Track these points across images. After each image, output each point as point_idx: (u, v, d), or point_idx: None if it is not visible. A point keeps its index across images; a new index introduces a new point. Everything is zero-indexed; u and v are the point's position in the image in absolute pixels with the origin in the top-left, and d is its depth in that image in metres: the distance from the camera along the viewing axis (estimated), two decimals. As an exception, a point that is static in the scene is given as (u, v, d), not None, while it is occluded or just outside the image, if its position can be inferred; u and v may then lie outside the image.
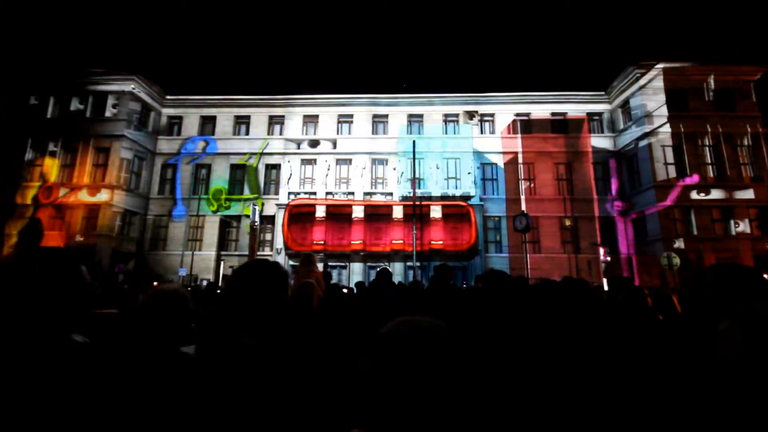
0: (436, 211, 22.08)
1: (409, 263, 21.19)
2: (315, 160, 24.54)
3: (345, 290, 6.34)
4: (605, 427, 1.46)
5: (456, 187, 23.42)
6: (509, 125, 24.67)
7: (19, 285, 1.04)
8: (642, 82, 22.07)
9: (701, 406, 0.82)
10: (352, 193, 22.78)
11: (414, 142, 18.57)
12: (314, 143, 24.54)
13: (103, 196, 21.54)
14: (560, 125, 24.81)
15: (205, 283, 20.18)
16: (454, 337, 0.65)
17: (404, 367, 0.60)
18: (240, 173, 24.78)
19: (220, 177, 24.44)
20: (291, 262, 21.75)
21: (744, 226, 19.78)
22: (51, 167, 22.09)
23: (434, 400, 0.58)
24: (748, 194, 20.21)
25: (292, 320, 1.39)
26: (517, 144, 24.23)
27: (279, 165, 24.47)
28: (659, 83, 22.04)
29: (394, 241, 21.96)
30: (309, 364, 1.30)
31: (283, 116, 25.59)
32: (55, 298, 1.06)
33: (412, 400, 0.58)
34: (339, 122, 25.51)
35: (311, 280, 3.25)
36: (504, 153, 24.16)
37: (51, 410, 0.94)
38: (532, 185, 23.67)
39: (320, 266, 12.66)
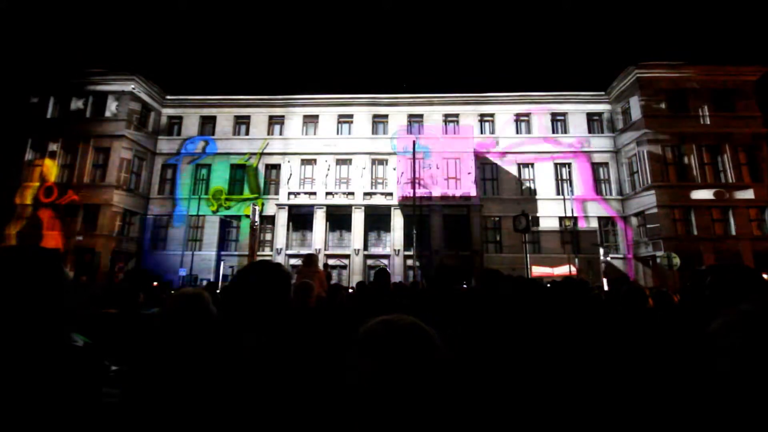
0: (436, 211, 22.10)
1: (409, 263, 21.23)
2: (315, 160, 24.55)
3: (351, 290, 6.34)
4: (603, 426, 1.46)
5: (456, 187, 23.43)
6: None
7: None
8: (642, 82, 22.08)
9: (696, 405, 0.82)
10: (352, 193, 22.79)
11: (414, 142, 18.58)
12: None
13: (103, 196, 21.55)
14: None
15: (204, 282, 20.17)
16: (431, 335, 0.65)
17: (379, 366, 0.60)
18: (240, 173, 24.79)
19: (220, 177, 24.45)
20: (292, 262, 21.76)
21: (744, 226, 19.80)
22: (51, 167, 22.10)
23: (411, 399, 0.58)
24: (748, 194, 20.22)
25: (287, 320, 1.39)
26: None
27: (279, 165, 24.48)
28: (659, 83, 22.06)
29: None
30: (306, 364, 1.31)
31: (283, 116, 25.60)
32: (34, 298, 1.05)
33: (389, 400, 0.58)
34: (339, 122, 25.52)
35: (309, 280, 3.27)
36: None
37: (39, 411, 0.94)
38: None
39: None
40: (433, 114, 25.16)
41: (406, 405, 0.58)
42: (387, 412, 0.58)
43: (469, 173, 23.23)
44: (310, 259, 5.21)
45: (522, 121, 25.07)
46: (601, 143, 24.14)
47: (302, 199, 22.75)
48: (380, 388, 0.59)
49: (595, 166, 23.95)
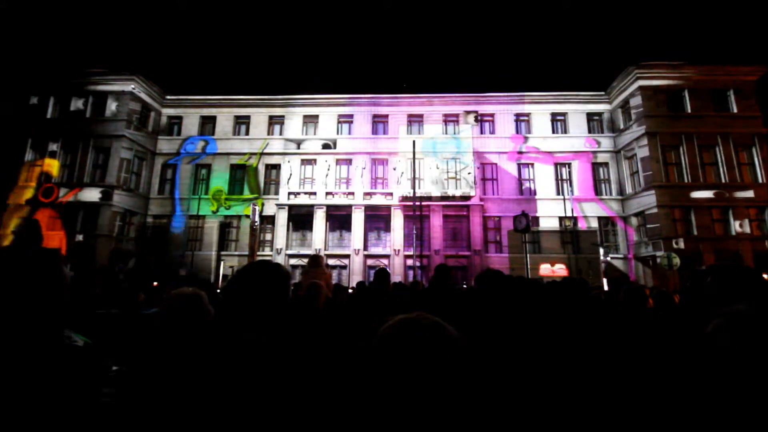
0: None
1: (409, 263, 21.24)
2: (315, 160, 24.55)
3: (351, 290, 6.35)
4: (602, 426, 1.46)
5: (456, 187, 23.42)
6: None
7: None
8: (642, 82, 22.08)
9: (694, 404, 0.82)
10: (352, 194, 22.80)
11: (414, 142, 18.59)
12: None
13: (103, 196, 21.55)
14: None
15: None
16: (453, 335, 0.65)
17: (403, 366, 0.60)
18: (240, 173, 24.79)
19: (220, 177, 24.45)
20: (292, 262, 21.77)
21: (744, 226, 19.80)
22: (51, 167, 22.10)
23: (433, 398, 0.58)
24: (748, 194, 20.21)
25: (296, 319, 1.40)
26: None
27: (279, 165, 24.48)
28: (659, 83, 22.06)
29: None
30: (307, 364, 1.31)
31: (283, 116, 25.60)
32: (34, 297, 1.05)
33: (411, 399, 0.58)
34: (339, 122, 25.52)
35: (320, 282, 3.29)
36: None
37: (39, 410, 0.94)
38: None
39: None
40: (433, 114, 25.16)
41: (433, 402, 0.58)
42: (412, 409, 0.58)
43: (469, 173, 23.25)
44: (316, 261, 5.18)
45: (522, 121, 25.07)
46: (601, 143, 24.14)
47: (302, 199, 22.76)
48: (406, 386, 0.59)
49: (595, 166, 23.95)
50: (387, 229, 22.99)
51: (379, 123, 25.44)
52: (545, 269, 20.62)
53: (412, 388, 0.58)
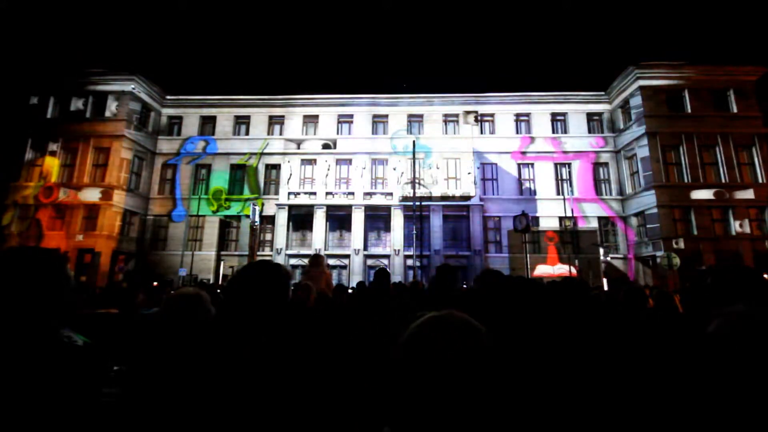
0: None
1: (409, 263, 21.24)
2: (315, 160, 24.55)
3: (351, 290, 6.35)
4: (602, 427, 1.46)
5: (456, 187, 23.42)
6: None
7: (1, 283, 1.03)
8: (642, 82, 22.08)
9: (694, 404, 0.82)
10: (352, 193, 22.79)
11: (414, 142, 18.58)
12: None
13: (103, 196, 21.55)
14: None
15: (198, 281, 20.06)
16: (484, 333, 0.66)
17: (437, 363, 0.61)
18: (240, 173, 24.79)
19: (220, 177, 24.45)
20: (292, 262, 21.77)
21: (744, 226, 19.80)
22: (51, 167, 22.10)
23: (468, 395, 0.59)
24: (748, 194, 20.21)
25: (293, 319, 1.40)
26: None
27: (279, 165, 24.48)
28: (659, 83, 22.06)
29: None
30: (309, 362, 1.31)
31: (283, 116, 25.60)
32: (41, 298, 1.05)
33: (442, 397, 0.59)
34: (339, 122, 25.52)
35: (309, 281, 3.29)
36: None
37: (40, 410, 0.94)
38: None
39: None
40: (433, 114, 25.16)
41: (467, 399, 0.59)
42: (448, 405, 0.59)
43: (469, 173, 23.24)
44: (316, 260, 5.17)
45: (522, 121, 25.07)
46: (601, 143, 24.15)
47: (302, 199, 22.76)
48: (440, 383, 0.60)
49: (596, 166, 23.96)
50: (387, 229, 22.99)
51: (379, 123, 25.44)
52: (544, 270, 20.61)
53: (447, 385, 0.59)
